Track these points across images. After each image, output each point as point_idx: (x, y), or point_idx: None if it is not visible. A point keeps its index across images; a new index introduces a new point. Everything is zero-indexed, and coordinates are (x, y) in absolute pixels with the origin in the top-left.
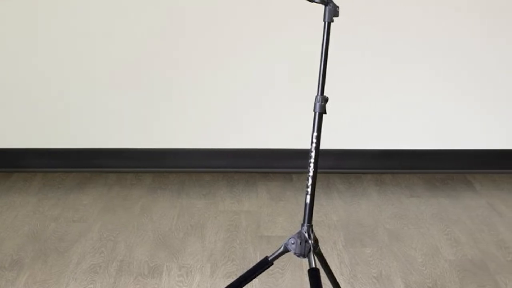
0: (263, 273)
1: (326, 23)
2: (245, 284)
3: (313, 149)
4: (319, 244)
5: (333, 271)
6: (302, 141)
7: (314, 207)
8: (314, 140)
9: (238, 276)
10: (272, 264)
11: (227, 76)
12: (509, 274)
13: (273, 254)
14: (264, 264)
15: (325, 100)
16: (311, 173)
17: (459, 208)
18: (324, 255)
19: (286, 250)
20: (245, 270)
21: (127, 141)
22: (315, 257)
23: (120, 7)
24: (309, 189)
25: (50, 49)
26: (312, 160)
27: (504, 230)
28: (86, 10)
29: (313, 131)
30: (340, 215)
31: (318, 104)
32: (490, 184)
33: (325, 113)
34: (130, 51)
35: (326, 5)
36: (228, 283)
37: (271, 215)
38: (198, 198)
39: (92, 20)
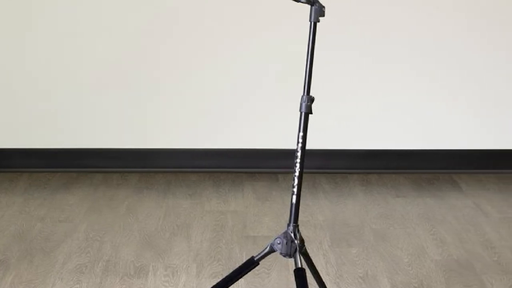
0: (249, 273)
1: (312, 23)
2: (231, 284)
3: (299, 149)
4: (305, 244)
5: (319, 271)
6: (288, 141)
7: (300, 207)
8: (300, 140)
9: (224, 276)
10: (258, 264)
11: (214, 76)
12: (495, 274)
13: (259, 254)
14: (250, 264)
15: (311, 100)
16: (297, 173)
17: (445, 208)
18: (310, 255)
19: (272, 250)
20: (231, 270)
21: (113, 141)
22: (301, 257)
23: (107, 7)
24: (295, 189)
25: (37, 49)
26: (298, 160)
27: (490, 230)
28: (73, 10)
29: (299, 131)
30: (326, 215)
31: (304, 104)
32: (476, 184)
33: (311, 113)
34: (117, 51)
35: (312, 5)
36: (214, 283)
37: (257, 215)
38: (184, 198)
39: (79, 20)
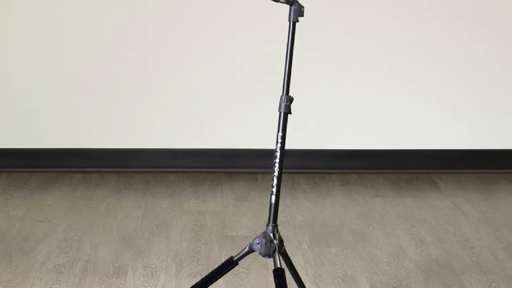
0: (228, 273)
1: (291, 23)
2: (210, 284)
3: (278, 149)
4: (284, 244)
5: (298, 271)
6: (267, 141)
7: (279, 207)
8: (279, 140)
9: (203, 276)
10: (237, 264)
11: (192, 76)
12: (474, 274)
13: (238, 254)
14: (229, 264)
15: (290, 100)
16: (276, 173)
17: (424, 208)
18: (289, 255)
19: (251, 250)
20: (210, 270)
21: (92, 141)
22: (280, 257)
23: (85, 7)
24: (274, 189)
25: (15, 49)
26: (277, 160)
27: (469, 230)
28: (52, 10)
29: (278, 131)
30: (305, 215)
31: (283, 104)
32: (455, 184)
33: (290, 113)
34: (95, 52)
35: (291, 5)
36: (193, 283)
37: (236, 215)
38: (163, 198)
39: (58, 20)
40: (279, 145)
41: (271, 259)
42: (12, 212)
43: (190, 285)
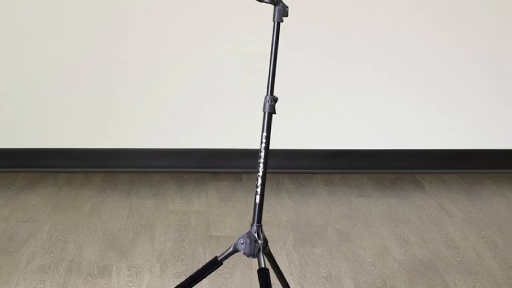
0: (212, 273)
1: (276, 23)
2: (195, 284)
3: (262, 149)
4: (269, 244)
5: (282, 271)
6: (252, 141)
7: (264, 207)
8: (264, 140)
9: (187, 276)
10: (222, 264)
11: (176, 76)
12: (458, 274)
13: (222, 254)
14: (214, 264)
15: (274, 100)
16: (260, 173)
17: (408, 208)
18: (274, 255)
19: (235, 250)
20: (194, 270)
21: (76, 141)
22: (265, 257)
23: (69, 8)
24: (258, 189)
25: (0, 49)
26: (262, 160)
27: (454, 230)
28: (36, 11)
29: (262, 131)
30: (289, 215)
31: (267, 104)
32: (440, 184)
33: (275, 113)
34: (78, 52)
35: (275, 5)
36: (177, 283)
37: (221, 215)
38: (147, 198)
39: (42, 20)
40: (263, 145)
41: (256, 259)
42: None
43: (175, 285)
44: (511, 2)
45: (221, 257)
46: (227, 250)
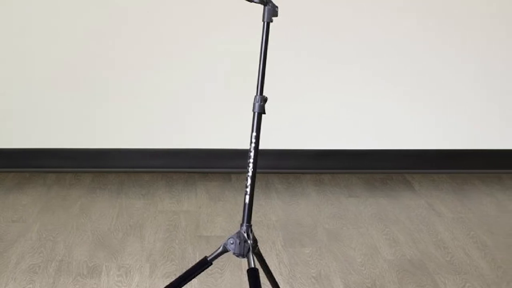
0: (202, 273)
1: (265, 23)
2: (184, 284)
3: (252, 149)
4: (258, 244)
5: (272, 271)
6: (241, 141)
7: (253, 207)
8: (253, 140)
9: (177, 276)
10: (211, 264)
11: (166, 76)
12: (447, 274)
13: (212, 254)
14: (203, 264)
15: (264, 100)
16: (250, 173)
17: (398, 208)
18: (263, 255)
19: (225, 250)
20: (184, 270)
21: (66, 141)
22: (254, 257)
23: (59, 7)
24: (248, 189)
25: None
26: (251, 160)
27: (443, 230)
28: (25, 10)
29: (252, 131)
30: (279, 215)
31: (257, 104)
32: (429, 184)
33: (264, 113)
34: (69, 51)
35: (265, 5)
36: (167, 283)
37: (210, 215)
38: (137, 198)
39: (32, 19)
40: (253, 145)
41: (245, 259)
42: None
43: (164, 285)
44: (499, 2)
45: (210, 257)
46: (216, 250)
